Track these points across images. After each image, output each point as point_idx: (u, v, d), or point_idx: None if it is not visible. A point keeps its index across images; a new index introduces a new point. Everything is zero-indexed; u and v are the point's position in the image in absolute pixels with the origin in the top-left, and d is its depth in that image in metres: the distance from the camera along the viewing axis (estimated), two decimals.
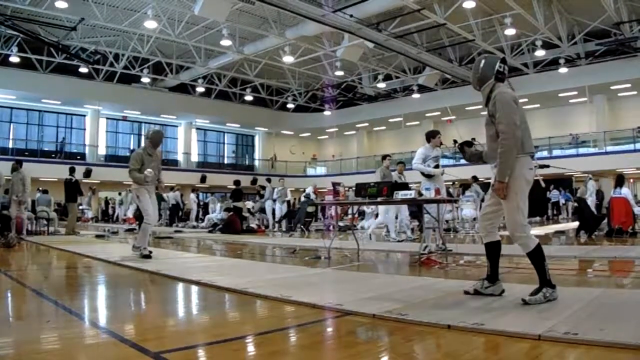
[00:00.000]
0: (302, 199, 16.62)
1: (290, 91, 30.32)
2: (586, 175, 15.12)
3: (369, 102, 30.80)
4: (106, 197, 25.79)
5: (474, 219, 14.02)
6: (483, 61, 3.70)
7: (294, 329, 2.98)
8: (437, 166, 7.27)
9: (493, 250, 3.74)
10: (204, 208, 20.63)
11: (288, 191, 15.40)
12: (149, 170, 6.41)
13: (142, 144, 6.93)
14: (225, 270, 5.46)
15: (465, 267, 5.72)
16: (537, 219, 20.31)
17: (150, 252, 6.55)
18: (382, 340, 2.72)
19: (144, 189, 6.58)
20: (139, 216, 15.42)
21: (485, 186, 16.31)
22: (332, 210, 14.00)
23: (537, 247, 3.47)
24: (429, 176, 7.13)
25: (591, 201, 14.15)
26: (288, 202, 17.27)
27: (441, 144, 7.45)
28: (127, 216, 22.48)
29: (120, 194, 22.52)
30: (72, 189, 12.85)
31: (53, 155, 25.57)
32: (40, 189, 14.59)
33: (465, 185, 16.20)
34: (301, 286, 4.25)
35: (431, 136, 7.32)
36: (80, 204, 23.47)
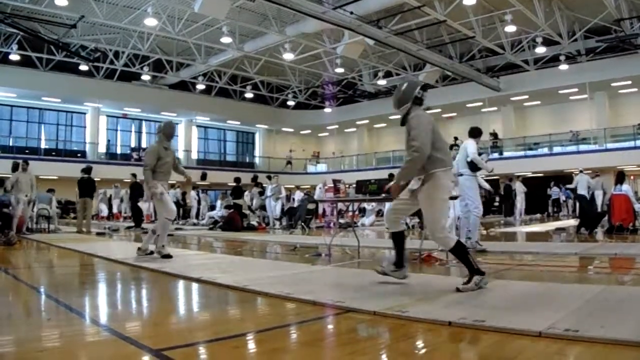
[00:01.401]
0: (317, 191, 16.68)
1: (290, 88, 30.28)
2: (590, 172, 15.07)
3: (369, 99, 30.75)
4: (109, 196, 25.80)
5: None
6: (405, 85, 4.11)
7: (294, 326, 2.98)
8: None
9: (398, 239, 4.16)
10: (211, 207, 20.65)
11: (282, 188, 15.40)
12: (160, 186, 6.21)
13: (156, 139, 6.69)
14: (226, 268, 5.46)
15: None
16: (538, 215, 20.34)
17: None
18: (383, 337, 2.72)
19: (159, 184, 6.26)
20: (135, 213, 15.50)
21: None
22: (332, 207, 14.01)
23: (457, 244, 3.81)
24: (474, 170, 7.05)
25: (598, 194, 14.14)
26: (289, 198, 17.31)
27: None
28: (115, 212, 22.57)
29: (116, 186, 22.48)
30: (89, 187, 12.88)
31: (53, 153, 25.59)
32: (52, 189, 14.60)
33: None
34: (302, 283, 4.25)
35: (477, 133, 7.37)
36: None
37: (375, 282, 4.24)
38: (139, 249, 6.42)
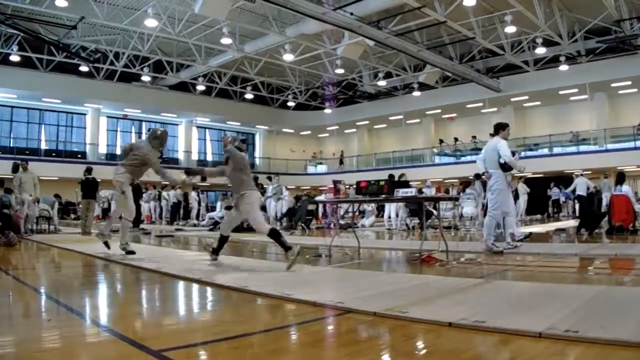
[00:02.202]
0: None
1: (290, 89, 30.28)
2: (587, 172, 15.11)
3: (369, 100, 30.77)
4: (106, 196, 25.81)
5: (472, 217, 14.04)
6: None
7: (295, 326, 2.98)
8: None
9: (224, 240, 5.96)
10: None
11: (283, 188, 15.36)
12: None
13: (151, 143, 6.79)
14: (226, 269, 5.46)
15: (466, 265, 5.72)
16: (538, 216, 20.34)
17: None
18: (383, 338, 2.72)
19: (128, 183, 6.62)
20: (137, 214, 15.49)
21: (485, 185, 16.33)
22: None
23: (272, 230, 5.52)
24: (505, 169, 6.87)
25: (607, 196, 14.13)
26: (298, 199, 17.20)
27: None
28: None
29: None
30: (92, 187, 12.90)
31: (54, 154, 25.60)
32: (58, 195, 14.67)
33: (466, 183, 16.19)
34: (302, 284, 4.25)
35: (501, 128, 7.13)
36: (80, 203, 23.54)
37: (376, 282, 4.24)
38: (101, 234, 6.98)
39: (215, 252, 5.90)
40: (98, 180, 12.75)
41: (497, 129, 7.16)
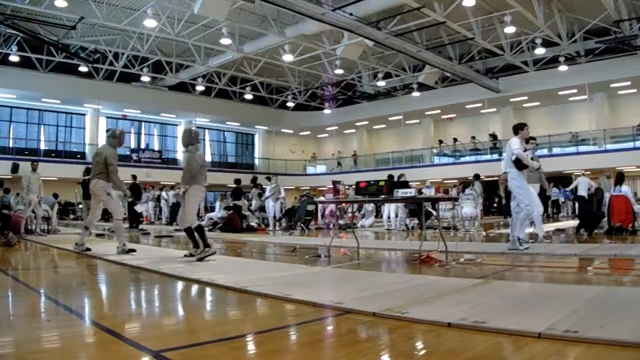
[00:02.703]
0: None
1: (290, 90, 30.30)
2: (587, 173, 15.09)
3: (368, 101, 30.79)
4: None
5: (472, 217, 14.04)
6: (193, 132, 6.90)
7: (294, 327, 2.98)
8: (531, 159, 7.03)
9: (193, 232, 6.37)
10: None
11: (281, 188, 15.33)
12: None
13: (111, 143, 7.34)
14: (225, 269, 5.46)
15: (465, 265, 5.72)
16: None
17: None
18: (383, 338, 2.72)
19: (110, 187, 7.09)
20: (132, 214, 15.49)
21: (483, 184, 16.31)
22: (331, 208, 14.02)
23: (198, 226, 6.36)
24: (520, 168, 6.81)
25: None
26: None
27: (531, 139, 7.57)
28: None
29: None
30: None
31: (53, 155, 25.58)
32: (56, 194, 14.71)
33: (465, 183, 16.19)
34: (301, 284, 4.25)
35: (519, 128, 7.04)
36: (80, 203, 23.51)
37: (375, 283, 4.24)
38: (76, 244, 7.33)
39: (197, 245, 6.31)
40: None
41: (515, 129, 7.08)
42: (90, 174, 12.68)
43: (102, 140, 27.89)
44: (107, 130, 7.66)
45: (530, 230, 7.52)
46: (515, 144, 6.78)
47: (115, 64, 23.68)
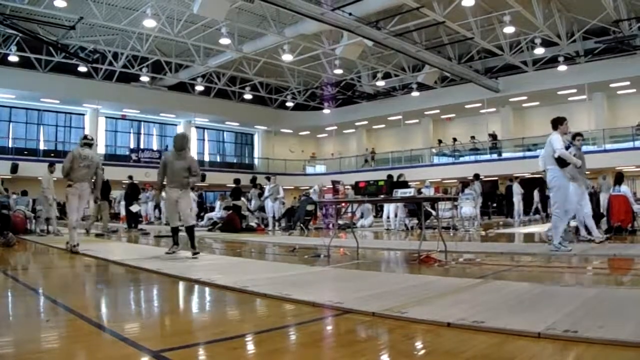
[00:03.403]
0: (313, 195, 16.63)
1: (289, 89, 30.30)
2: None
3: (368, 101, 30.79)
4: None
5: (472, 217, 14.03)
6: (187, 138, 7.42)
7: (293, 327, 2.98)
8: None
9: (178, 230, 7.01)
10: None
11: (280, 188, 15.33)
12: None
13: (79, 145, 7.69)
14: (225, 269, 5.46)
15: (464, 265, 5.72)
16: (537, 216, 20.33)
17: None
18: (382, 338, 2.72)
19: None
20: (130, 214, 15.49)
21: (483, 184, 16.32)
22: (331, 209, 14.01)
23: (193, 226, 6.91)
24: (562, 164, 6.52)
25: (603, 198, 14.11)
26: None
27: (577, 135, 7.44)
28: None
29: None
30: (104, 189, 12.90)
31: (52, 155, 25.54)
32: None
33: (464, 183, 16.18)
34: (301, 284, 4.25)
35: (559, 122, 6.69)
36: None
37: (374, 283, 4.23)
38: (67, 243, 7.62)
39: (176, 243, 6.93)
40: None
41: (554, 124, 6.73)
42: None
43: (101, 140, 28.00)
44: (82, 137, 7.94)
45: (573, 225, 7.14)
46: (557, 142, 6.47)
47: (115, 64, 23.67)
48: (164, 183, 7.04)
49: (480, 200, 15.03)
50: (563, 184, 6.58)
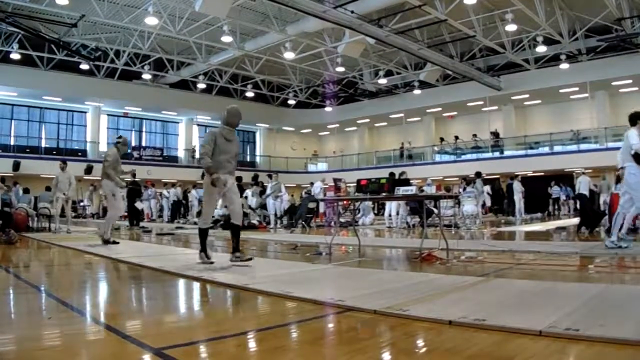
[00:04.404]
0: (317, 188, 16.63)
1: (291, 87, 30.30)
2: (586, 171, 15.07)
3: (370, 98, 30.78)
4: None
5: (473, 214, 14.02)
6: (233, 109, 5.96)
7: (295, 324, 2.98)
8: None
9: (207, 234, 5.93)
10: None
11: (282, 186, 15.32)
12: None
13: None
14: (226, 267, 5.46)
15: (466, 263, 5.72)
16: (539, 215, 20.32)
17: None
18: (384, 336, 2.72)
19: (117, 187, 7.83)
20: (132, 212, 15.51)
21: (485, 182, 16.30)
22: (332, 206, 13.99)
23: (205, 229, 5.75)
24: (638, 160, 6.20)
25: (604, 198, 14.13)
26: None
27: None
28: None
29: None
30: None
31: (54, 152, 25.60)
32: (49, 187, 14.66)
33: (467, 181, 16.16)
34: (302, 282, 4.25)
35: (638, 118, 6.35)
36: (82, 200, 23.55)
37: (376, 281, 4.23)
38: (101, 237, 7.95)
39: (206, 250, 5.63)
40: (99, 177, 12.75)
41: (633, 119, 6.39)
42: (90, 171, 12.84)
43: (103, 137, 28.03)
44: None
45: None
46: (634, 137, 6.20)
47: (117, 61, 23.69)
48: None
49: (482, 198, 15.02)
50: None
